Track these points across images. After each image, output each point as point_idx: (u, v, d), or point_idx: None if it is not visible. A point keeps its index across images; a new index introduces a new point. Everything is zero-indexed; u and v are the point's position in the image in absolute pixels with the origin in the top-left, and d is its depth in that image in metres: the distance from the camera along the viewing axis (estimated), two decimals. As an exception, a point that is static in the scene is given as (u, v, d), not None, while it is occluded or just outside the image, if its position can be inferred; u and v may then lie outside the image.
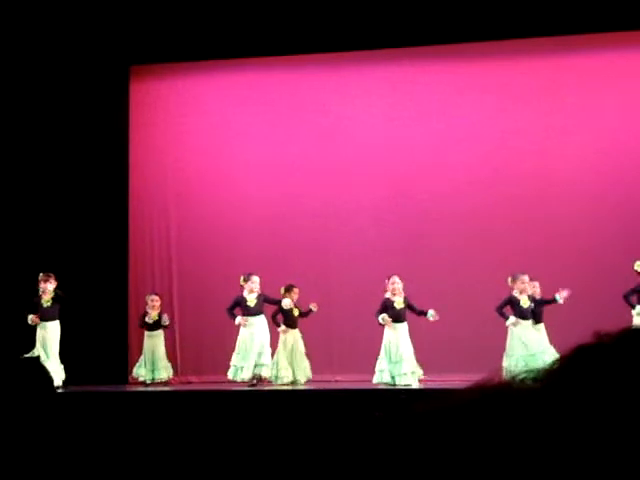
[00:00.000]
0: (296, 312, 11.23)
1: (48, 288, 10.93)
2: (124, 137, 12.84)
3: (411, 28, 11.85)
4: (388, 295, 10.68)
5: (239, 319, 10.96)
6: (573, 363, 0.79)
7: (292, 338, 11.22)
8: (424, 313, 10.50)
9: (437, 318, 10.44)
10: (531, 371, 0.83)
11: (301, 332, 11.28)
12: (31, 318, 10.91)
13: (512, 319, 10.45)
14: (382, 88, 12.37)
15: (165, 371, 11.47)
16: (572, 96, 11.97)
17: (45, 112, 12.44)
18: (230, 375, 10.86)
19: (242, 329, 10.95)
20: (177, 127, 12.84)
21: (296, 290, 11.27)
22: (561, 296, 10.33)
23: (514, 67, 12.11)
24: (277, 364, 10.98)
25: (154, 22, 12.10)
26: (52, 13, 11.98)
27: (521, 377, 0.82)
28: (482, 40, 11.92)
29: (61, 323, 10.94)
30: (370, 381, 10.48)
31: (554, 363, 0.82)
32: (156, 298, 11.57)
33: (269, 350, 10.92)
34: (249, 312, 10.95)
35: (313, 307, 11.19)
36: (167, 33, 12.19)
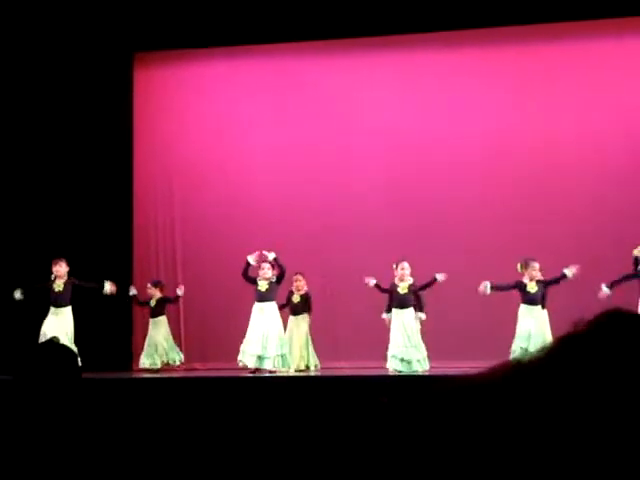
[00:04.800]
0: (296, 299, 11.22)
1: (60, 272, 10.99)
2: (128, 125, 12.83)
3: (418, 15, 11.80)
4: (395, 280, 10.68)
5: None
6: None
7: (292, 324, 11.22)
8: (431, 282, 10.51)
9: (444, 278, 10.48)
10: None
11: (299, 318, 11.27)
12: (18, 296, 11.04)
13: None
14: (391, 73, 12.32)
15: (171, 356, 11.52)
16: (578, 84, 11.90)
17: (49, 100, 12.42)
18: (239, 358, 10.81)
19: (252, 314, 10.91)
20: (182, 114, 12.82)
21: (297, 277, 11.25)
22: (570, 271, 10.27)
23: (525, 54, 12.01)
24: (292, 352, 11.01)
25: (158, 8, 12.08)
26: (55, 0, 11.96)
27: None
28: (489, 26, 11.85)
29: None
30: (375, 367, 10.49)
31: (540, 353, 0.81)
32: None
33: (276, 341, 10.74)
34: (258, 297, 10.94)
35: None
36: (172, 20, 12.16)
